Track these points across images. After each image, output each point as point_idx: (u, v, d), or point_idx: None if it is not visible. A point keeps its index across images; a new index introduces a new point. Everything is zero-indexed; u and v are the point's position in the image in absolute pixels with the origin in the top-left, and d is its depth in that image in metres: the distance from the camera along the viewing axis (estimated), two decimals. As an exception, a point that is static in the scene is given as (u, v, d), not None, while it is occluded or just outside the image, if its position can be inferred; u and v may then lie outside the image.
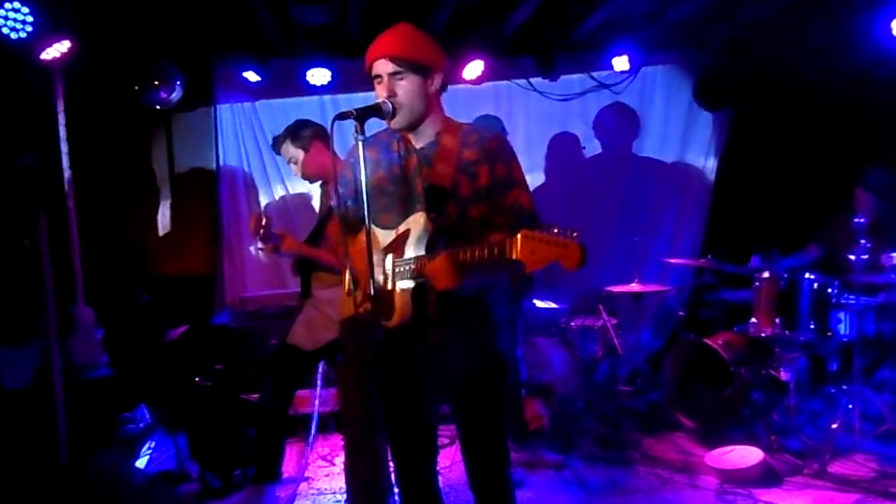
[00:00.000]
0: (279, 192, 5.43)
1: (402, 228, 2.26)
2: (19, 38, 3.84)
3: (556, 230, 1.85)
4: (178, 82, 4.77)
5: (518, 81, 5.37)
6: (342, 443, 4.45)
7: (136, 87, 4.73)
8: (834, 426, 3.85)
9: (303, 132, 3.46)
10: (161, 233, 5.42)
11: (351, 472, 2.88)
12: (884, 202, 4.36)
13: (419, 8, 4.37)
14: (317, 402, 4.25)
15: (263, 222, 3.15)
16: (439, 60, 2.26)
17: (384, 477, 2.20)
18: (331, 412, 4.62)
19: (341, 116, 2.08)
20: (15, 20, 3.81)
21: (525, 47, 5.12)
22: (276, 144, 3.55)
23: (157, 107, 4.84)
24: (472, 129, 2.34)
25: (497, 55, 5.01)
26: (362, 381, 2.01)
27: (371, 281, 2.06)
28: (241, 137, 5.39)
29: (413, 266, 2.19)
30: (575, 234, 1.83)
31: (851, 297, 4.03)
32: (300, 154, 3.45)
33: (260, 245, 3.22)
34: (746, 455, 3.71)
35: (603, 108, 5.57)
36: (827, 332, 4.08)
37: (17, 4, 3.78)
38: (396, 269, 2.24)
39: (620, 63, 5.10)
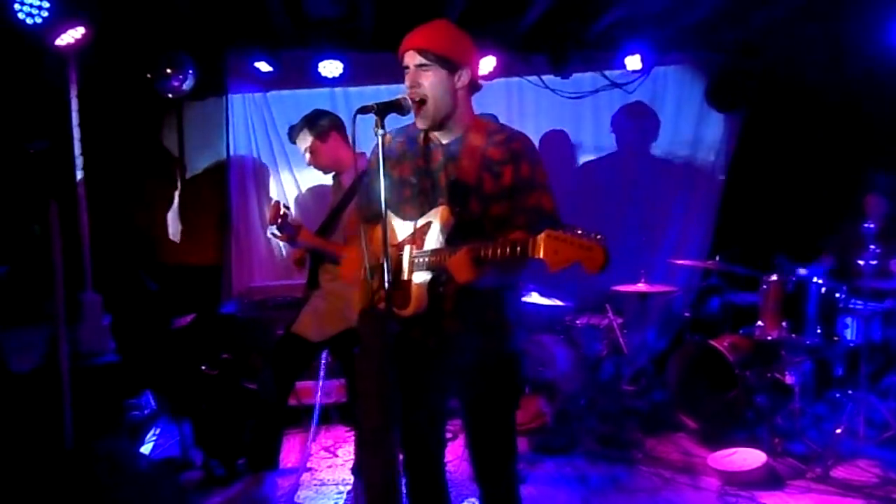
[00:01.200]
0: (289, 183, 5.44)
1: (423, 220, 2.28)
2: (35, 23, 3.85)
3: (579, 231, 1.85)
4: (191, 71, 4.78)
5: (530, 78, 5.35)
6: (345, 434, 4.51)
7: (149, 75, 4.75)
8: (838, 431, 3.85)
9: (320, 122, 3.47)
10: (170, 221, 5.44)
11: (365, 464, 2.88)
12: (895, 205, 4.36)
13: (432, 2, 4.37)
14: (319, 393, 4.26)
15: (282, 212, 3.19)
16: (468, 57, 2.28)
17: (397, 469, 2.22)
18: (334, 403, 4.64)
19: (363, 110, 2.10)
20: (31, 6, 3.82)
21: (538, 44, 5.11)
22: (293, 133, 3.54)
23: (169, 95, 4.85)
24: (500, 128, 2.36)
25: (510, 51, 5.01)
26: (381, 373, 2.02)
27: (387, 270, 2.07)
28: (251, 128, 5.40)
29: (432, 258, 2.20)
30: (599, 237, 1.84)
31: (859, 302, 4.02)
32: (316, 144, 3.45)
33: (276, 233, 3.26)
34: (749, 457, 3.72)
35: (623, 106, 5.55)
36: (833, 337, 4.08)
37: (33, -10, 3.80)
38: (415, 260, 2.26)
39: (633, 62, 5.09)
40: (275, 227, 3.21)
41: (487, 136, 2.30)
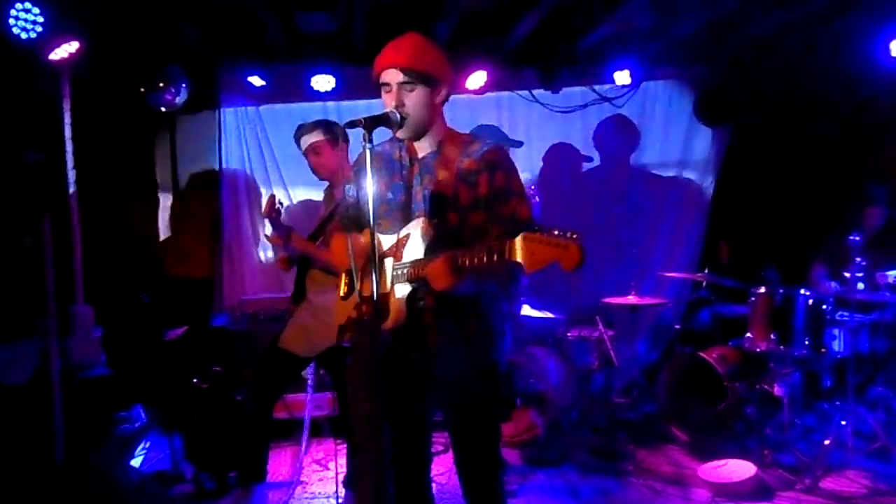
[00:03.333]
0: (281, 197, 5.44)
1: (402, 233, 2.29)
2: (29, 38, 3.87)
3: (556, 231, 1.86)
4: (184, 85, 4.80)
5: (520, 92, 5.41)
6: (337, 447, 4.49)
7: (142, 89, 4.77)
8: (826, 442, 3.87)
9: (335, 128, 3.51)
10: (162, 234, 5.45)
11: (359, 471, 2.87)
12: (893, 212, 4.43)
13: (424, 17, 4.42)
14: (307, 405, 4.25)
15: (276, 206, 3.26)
16: (447, 73, 2.30)
17: (388, 474, 2.23)
18: (326, 416, 4.63)
19: (351, 125, 2.11)
20: (26, 20, 3.84)
21: (528, 59, 5.16)
22: (302, 129, 3.52)
23: (162, 109, 4.87)
24: (473, 138, 2.38)
25: (500, 66, 5.06)
26: (372, 381, 2.03)
27: (373, 283, 2.08)
28: (244, 141, 5.43)
29: (410, 270, 2.22)
30: (574, 236, 1.85)
31: (846, 313, 4.06)
32: (325, 145, 3.47)
33: (267, 233, 3.31)
34: (739, 469, 3.73)
35: (603, 120, 5.61)
36: (821, 349, 4.12)
37: (27, 5, 3.82)
38: (395, 273, 2.27)
39: (622, 77, 5.15)
40: (268, 221, 3.27)
41: (462, 148, 2.32)
